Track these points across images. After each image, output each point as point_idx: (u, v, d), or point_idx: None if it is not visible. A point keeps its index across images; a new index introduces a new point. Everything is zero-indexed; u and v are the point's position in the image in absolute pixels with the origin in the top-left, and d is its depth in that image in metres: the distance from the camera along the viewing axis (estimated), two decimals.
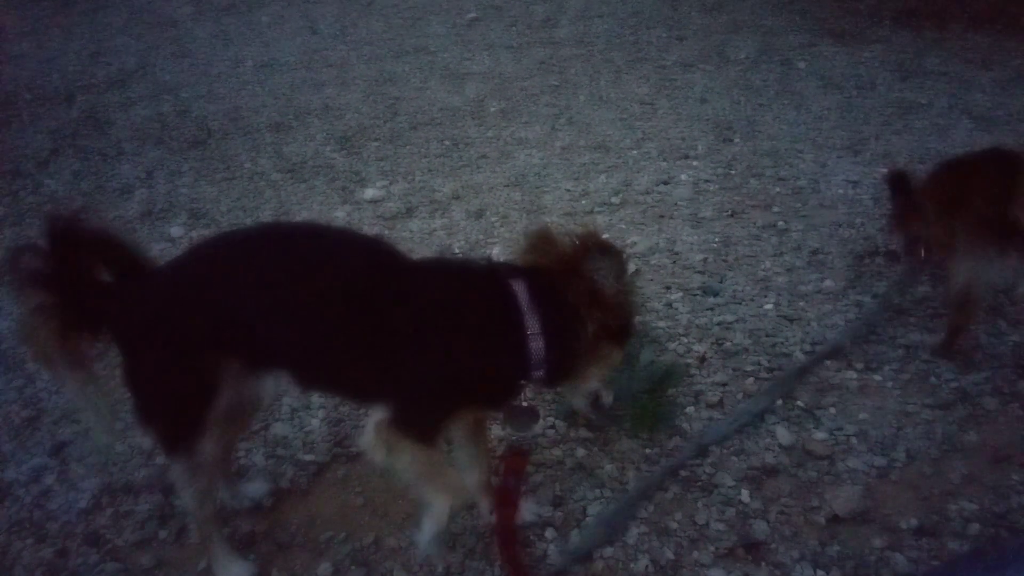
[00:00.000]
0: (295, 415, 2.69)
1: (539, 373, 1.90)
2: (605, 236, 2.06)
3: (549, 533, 2.17)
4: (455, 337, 1.83)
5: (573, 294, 1.86)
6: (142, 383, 1.86)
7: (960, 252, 2.64)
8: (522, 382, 1.97)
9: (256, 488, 2.35)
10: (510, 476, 2.20)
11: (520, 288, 1.88)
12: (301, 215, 4.08)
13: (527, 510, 2.22)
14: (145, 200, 4.37)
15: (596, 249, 1.87)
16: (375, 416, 1.85)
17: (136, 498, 2.39)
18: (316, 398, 2.73)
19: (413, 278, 1.91)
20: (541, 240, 1.97)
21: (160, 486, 2.39)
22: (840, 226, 3.63)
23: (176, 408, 1.88)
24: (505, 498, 2.16)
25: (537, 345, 1.85)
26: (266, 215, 4.12)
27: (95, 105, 5.90)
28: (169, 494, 2.37)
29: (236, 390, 1.89)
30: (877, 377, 2.68)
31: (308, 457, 2.51)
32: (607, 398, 2.06)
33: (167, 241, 3.92)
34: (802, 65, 5.84)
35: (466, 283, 1.95)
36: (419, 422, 1.85)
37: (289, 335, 1.87)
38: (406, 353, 1.81)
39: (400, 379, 1.84)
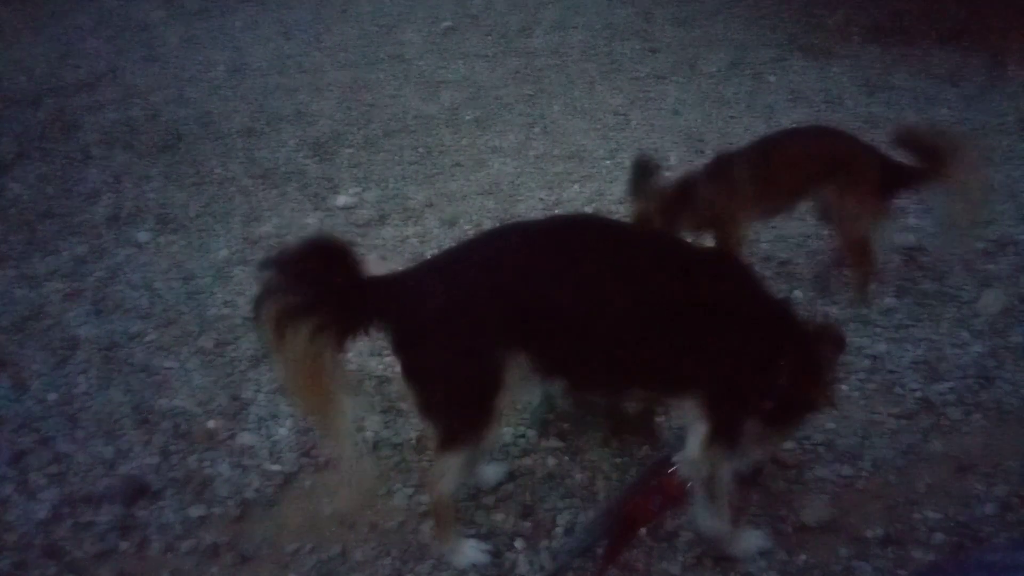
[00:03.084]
0: (262, 424, 2.65)
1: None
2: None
3: (519, 543, 2.16)
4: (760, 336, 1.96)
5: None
6: (433, 373, 1.85)
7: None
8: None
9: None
10: (659, 496, 2.03)
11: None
12: (272, 221, 4.04)
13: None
14: (112, 204, 4.30)
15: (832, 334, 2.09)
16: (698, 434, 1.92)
17: (97, 509, 2.33)
18: (283, 407, 2.70)
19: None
20: None
21: (121, 497, 2.34)
22: (808, 237, 3.67)
23: (470, 398, 1.86)
24: (640, 512, 2.04)
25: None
26: (236, 221, 4.07)
27: (63, 108, 5.80)
28: (131, 504, 2.33)
29: (518, 384, 1.89)
30: (843, 387, 2.71)
31: (275, 467, 2.47)
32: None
33: (134, 246, 3.86)
34: (772, 79, 5.92)
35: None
36: (734, 430, 1.93)
37: (598, 325, 1.86)
38: (721, 345, 1.89)
39: (716, 370, 1.91)
